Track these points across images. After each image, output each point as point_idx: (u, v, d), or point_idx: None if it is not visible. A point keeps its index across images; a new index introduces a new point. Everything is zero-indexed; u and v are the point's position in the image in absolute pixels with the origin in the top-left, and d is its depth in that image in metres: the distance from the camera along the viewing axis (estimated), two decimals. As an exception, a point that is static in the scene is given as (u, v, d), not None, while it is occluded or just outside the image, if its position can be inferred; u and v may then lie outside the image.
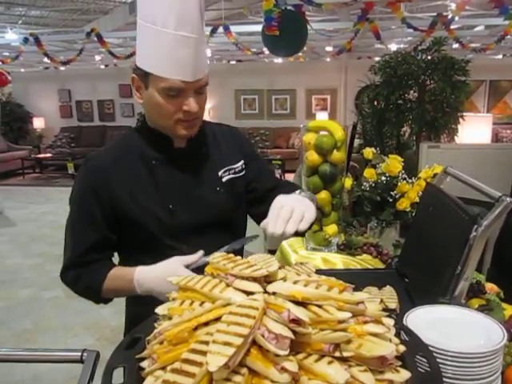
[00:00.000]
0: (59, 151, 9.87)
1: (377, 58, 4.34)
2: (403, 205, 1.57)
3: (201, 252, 1.05)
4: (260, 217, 1.11)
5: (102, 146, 10.54)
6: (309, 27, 5.51)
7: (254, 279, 0.78)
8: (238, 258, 0.86)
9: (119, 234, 1.18)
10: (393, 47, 7.54)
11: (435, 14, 6.02)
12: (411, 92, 3.54)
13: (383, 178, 1.63)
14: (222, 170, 1.23)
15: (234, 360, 0.63)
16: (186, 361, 0.65)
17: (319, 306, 0.71)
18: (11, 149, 10.20)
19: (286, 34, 5.07)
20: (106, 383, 0.74)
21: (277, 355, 0.63)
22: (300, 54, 9.04)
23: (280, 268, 0.85)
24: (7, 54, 9.61)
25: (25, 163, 9.93)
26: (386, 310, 1.14)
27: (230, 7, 7.75)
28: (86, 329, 3.22)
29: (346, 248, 1.66)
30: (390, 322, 0.80)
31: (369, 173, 1.64)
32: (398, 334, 0.84)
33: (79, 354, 0.88)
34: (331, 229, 1.63)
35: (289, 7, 5.33)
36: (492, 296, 1.33)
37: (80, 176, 1.18)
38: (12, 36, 8.31)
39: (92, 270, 1.15)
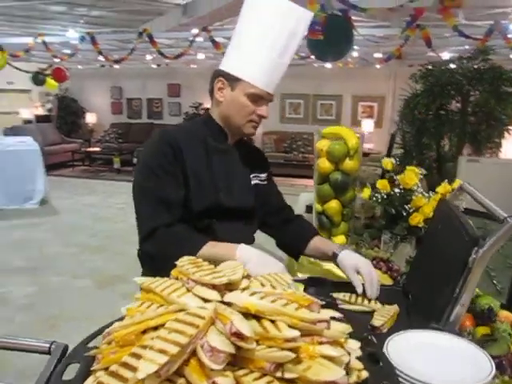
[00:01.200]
0: (107, 146, 10.24)
1: (429, 67, 4.19)
2: (416, 220, 1.48)
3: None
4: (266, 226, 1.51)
5: (149, 143, 10.85)
6: (355, 33, 5.40)
7: (214, 286, 0.76)
8: (205, 263, 0.83)
9: None
10: (445, 56, 7.24)
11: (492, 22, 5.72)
12: (453, 102, 3.36)
13: (396, 190, 1.55)
14: (253, 175, 1.46)
15: (168, 369, 0.60)
16: (124, 364, 0.63)
17: (272, 321, 0.68)
18: (64, 141, 10.70)
19: (331, 39, 5.00)
20: (57, 378, 0.73)
21: (212, 369, 0.60)
22: (350, 59, 8.91)
23: (246, 277, 0.82)
24: (68, 51, 10.11)
25: (75, 156, 10.36)
26: (372, 327, 1.08)
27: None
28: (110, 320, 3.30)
29: (355, 261, 1.59)
30: (355, 345, 0.74)
31: (381, 183, 1.56)
32: (370, 359, 0.79)
33: (48, 345, 0.89)
34: (339, 239, 1.57)
35: (335, 12, 5.26)
36: (504, 325, 1.22)
37: (157, 144, 1.32)
38: (73, 34, 8.73)
39: (191, 233, 1.26)
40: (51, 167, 8.72)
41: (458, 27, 5.46)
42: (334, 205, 1.56)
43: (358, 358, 0.76)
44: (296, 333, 0.63)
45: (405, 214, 1.53)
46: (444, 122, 3.32)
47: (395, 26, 7.02)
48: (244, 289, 0.77)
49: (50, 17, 8.90)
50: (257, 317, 0.69)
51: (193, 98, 11.10)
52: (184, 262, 0.82)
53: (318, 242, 1.43)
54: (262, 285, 0.78)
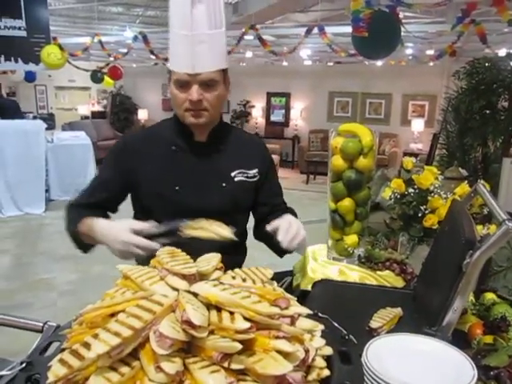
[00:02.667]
0: (157, 142, 10.53)
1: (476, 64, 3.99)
2: (430, 221, 1.42)
3: (153, 222, 1.15)
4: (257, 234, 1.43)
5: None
6: (403, 29, 5.23)
7: (184, 276, 0.77)
8: (182, 254, 0.85)
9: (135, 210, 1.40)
10: (502, 52, 6.85)
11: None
12: (500, 101, 3.18)
13: (410, 190, 1.49)
14: (236, 171, 1.36)
15: (120, 351, 0.63)
16: (85, 344, 0.66)
17: (232, 313, 0.68)
18: (116, 137, 11.15)
19: (377, 36, 4.87)
20: (35, 353, 0.78)
21: (161, 354, 0.62)
22: (401, 57, 8.63)
23: (219, 269, 0.83)
24: (125, 50, 10.53)
25: (127, 151, 10.76)
26: (370, 329, 1.06)
27: (332, 8, 7.66)
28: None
29: (368, 261, 1.55)
30: (320, 342, 0.74)
31: (396, 183, 1.51)
32: (343, 358, 0.78)
33: (41, 324, 0.94)
34: (351, 239, 1.54)
35: (382, 8, 5.11)
36: (516, 336, 1.15)
37: (114, 146, 1.41)
38: (129, 34, 9.08)
39: (80, 213, 1.31)
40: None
41: (516, 22, 5.13)
42: (347, 203, 1.53)
43: (329, 357, 0.76)
44: (246, 325, 0.64)
45: (420, 215, 1.48)
46: (489, 121, 3.15)
47: (449, 22, 6.73)
48: (213, 280, 0.78)
49: (108, 17, 9.31)
50: (219, 308, 0.70)
51: (241, 95, 11.20)
52: (162, 252, 0.84)
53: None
54: (233, 278, 0.79)
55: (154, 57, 9.02)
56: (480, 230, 1.46)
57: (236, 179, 1.36)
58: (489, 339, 1.09)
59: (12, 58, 8.50)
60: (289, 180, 9.45)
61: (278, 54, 7.97)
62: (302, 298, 1.40)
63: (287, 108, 10.88)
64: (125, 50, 10.03)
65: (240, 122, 11.28)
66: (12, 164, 5.83)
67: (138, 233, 1.12)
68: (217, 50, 1.24)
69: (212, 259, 0.84)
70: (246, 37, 7.51)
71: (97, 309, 0.74)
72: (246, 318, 0.66)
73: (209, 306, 0.70)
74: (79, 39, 9.62)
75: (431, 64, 8.94)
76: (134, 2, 8.52)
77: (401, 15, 6.35)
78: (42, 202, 6.04)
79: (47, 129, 8.32)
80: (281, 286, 1.30)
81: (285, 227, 1.18)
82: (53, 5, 8.56)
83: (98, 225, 1.22)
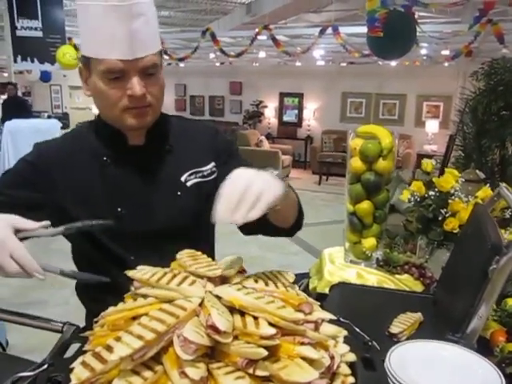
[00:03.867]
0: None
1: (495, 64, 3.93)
2: (451, 225, 1.40)
3: (45, 223, 0.85)
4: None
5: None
6: (419, 29, 5.18)
7: (209, 278, 0.77)
8: (203, 256, 0.84)
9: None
10: (520, 52, 6.74)
11: None
12: (519, 102, 3.12)
13: (431, 193, 1.47)
14: (188, 173, 1.09)
15: (142, 354, 0.62)
16: (107, 347, 0.66)
17: (255, 318, 0.67)
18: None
19: (392, 36, 4.83)
20: (55, 354, 0.78)
21: (185, 359, 0.61)
22: (416, 57, 8.55)
23: (241, 272, 0.82)
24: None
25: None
26: (390, 334, 1.04)
27: (346, 8, 7.62)
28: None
29: (386, 265, 1.53)
30: (344, 349, 0.72)
31: (416, 185, 1.49)
32: (366, 365, 0.77)
33: (61, 325, 0.94)
34: (369, 242, 1.52)
35: (398, 8, 5.07)
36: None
37: (27, 155, 1.07)
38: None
39: None
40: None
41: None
42: (365, 206, 1.51)
43: (352, 364, 0.74)
44: (272, 331, 0.62)
45: (440, 218, 1.45)
46: (507, 123, 3.09)
47: (466, 22, 6.65)
48: (236, 283, 0.77)
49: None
50: (242, 312, 0.69)
51: (254, 95, 11.21)
52: (182, 255, 0.83)
53: None
54: (256, 281, 0.78)
55: (167, 57, 9.06)
56: (502, 233, 1.43)
57: (189, 183, 1.08)
58: (512, 347, 1.07)
59: (28, 58, 8.62)
60: (301, 181, 9.43)
61: (291, 54, 7.97)
62: (319, 301, 1.39)
63: (300, 108, 10.85)
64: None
65: (253, 122, 11.28)
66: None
67: (19, 233, 0.83)
68: (153, 26, 0.96)
69: (234, 262, 0.83)
70: (259, 37, 7.51)
71: (119, 311, 0.73)
72: (270, 324, 0.65)
73: (232, 310, 0.69)
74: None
75: (446, 64, 8.85)
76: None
77: (416, 15, 6.30)
78: (56, 200, 6.10)
79: (62, 128, 8.42)
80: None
81: (228, 191, 0.75)
82: (68, 5, 8.65)
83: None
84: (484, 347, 1.06)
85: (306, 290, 1.60)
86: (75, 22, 9.55)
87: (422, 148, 9.15)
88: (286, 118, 11.03)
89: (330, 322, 0.83)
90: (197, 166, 1.10)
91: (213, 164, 1.12)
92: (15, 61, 8.46)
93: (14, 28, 8.38)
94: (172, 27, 10.57)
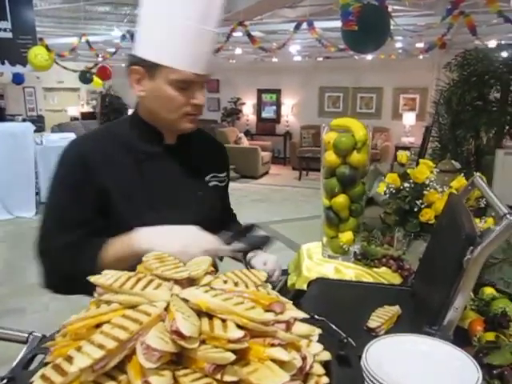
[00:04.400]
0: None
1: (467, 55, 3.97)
2: (427, 216, 1.39)
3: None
4: None
5: (189, 138, 11.04)
6: (393, 23, 5.21)
7: (176, 281, 0.74)
8: (170, 258, 0.81)
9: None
10: (492, 44, 6.85)
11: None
12: (492, 92, 3.17)
13: (406, 185, 1.46)
14: (210, 176, 1.24)
15: (104, 364, 0.59)
16: (68, 358, 0.62)
17: (224, 321, 0.64)
18: (107, 137, 11.07)
19: (366, 30, 4.84)
20: (18, 367, 0.74)
21: (149, 368, 0.58)
22: (391, 50, 8.61)
23: (210, 273, 0.79)
24: (113, 50, 10.44)
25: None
26: (368, 329, 1.03)
27: (321, 3, 7.63)
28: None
29: (364, 258, 1.52)
30: (317, 348, 0.70)
31: (391, 177, 1.48)
32: (341, 362, 0.74)
33: (26, 335, 0.90)
34: (346, 236, 1.51)
35: (372, 1, 5.08)
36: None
37: (64, 156, 1.10)
38: (117, 33, 8.98)
39: (76, 253, 1.03)
40: (95, 162, 8.97)
41: (505, 13, 5.13)
42: (341, 200, 1.50)
43: (327, 362, 0.72)
44: (240, 333, 0.60)
45: (416, 209, 1.45)
46: (481, 113, 3.14)
47: (438, 14, 6.72)
48: (204, 285, 0.74)
49: (95, 17, 9.20)
50: (211, 315, 0.66)
51: (231, 92, 11.16)
52: (149, 257, 0.80)
53: None
54: (225, 282, 0.75)
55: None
56: (477, 223, 1.44)
57: (210, 184, 1.23)
58: (490, 336, 1.06)
59: (-2, 60, 8.39)
60: (281, 177, 9.44)
61: (267, 50, 7.94)
62: (298, 297, 1.37)
63: (278, 104, 10.85)
64: (113, 50, 9.94)
65: (231, 119, 11.23)
66: (1, 167, 5.75)
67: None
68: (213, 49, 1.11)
69: (202, 263, 0.80)
70: (234, 33, 7.46)
71: (81, 319, 0.69)
72: (239, 326, 0.63)
73: (200, 313, 0.66)
74: (66, 40, 9.51)
75: (421, 57, 8.95)
76: (121, 1, 8.45)
77: (390, 8, 6.34)
78: (32, 205, 5.96)
79: (37, 131, 8.22)
80: (274, 288, 1.27)
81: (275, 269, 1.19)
82: (38, 5, 8.44)
83: (149, 232, 0.98)
84: (462, 337, 1.05)
85: (284, 286, 1.58)
86: (47, 23, 9.35)
87: (399, 140, 9.25)
88: (264, 115, 11.01)
89: (305, 320, 0.81)
90: (215, 171, 1.25)
91: (225, 173, 1.30)
92: (-15, 63, 8.24)
93: (-18, 29, 8.16)
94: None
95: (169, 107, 1.07)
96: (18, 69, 8.69)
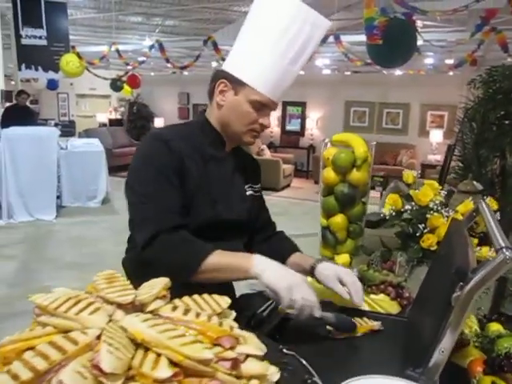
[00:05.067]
0: (172, 150, 10.56)
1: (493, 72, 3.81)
2: (428, 242, 1.29)
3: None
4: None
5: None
6: (421, 38, 5.09)
7: (120, 305, 0.67)
8: (121, 279, 0.75)
9: None
10: (526, 61, 6.60)
11: None
12: (519, 111, 3.00)
13: (407, 207, 1.36)
14: (248, 185, 1.36)
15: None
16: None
17: (159, 355, 0.58)
18: (132, 144, 11.20)
19: (392, 44, 4.74)
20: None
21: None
22: (420, 66, 8.44)
23: (161, 298, 0.72)
24: (142, 59, 10.65)
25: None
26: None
27: (350, 17, 7.57)
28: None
29: (361, 283, 1.43)
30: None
31: (392, 198, 1.39)
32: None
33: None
34: (342, 259, 1.42)
35: (398, 15, 4.98)
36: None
37: (154, 146, 1.19)
38: (148, 43, 9.16)
39: (195, 239, 1.13)
40: (119, 168, 9.08)
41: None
42: (339, 220, 1.41)
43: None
44: (167, 373, 0.53)
45: (419, 234, 1.35)
46: (506, 132, 2.97)
47: (469, 31, 6.55)
48: (150, 311, 0.67)
49: (128, 27, 9.41)
50: (148, 348, 0.59)
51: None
52: (99, 277, 0.74)
53: (296, 258, 1.33)
54: (174, 309, 0.68)
55: (169, 65, 9.05)
56: (485, 253, 1.32)
57: (247, 193, 1.36)
58: (487, 381, 0.96)
59: (32, 66, 8.66)
60: (303, 190, 9.32)
61: (293, 62, 7.89)
62: (286, 322, 1.29)
63: (303, 117, 10.77)
64: (142, 59, 10.13)
65: (256, 131, 11.20)
66: (25, 170, 5.87)
67: None
68: None
69: (156, 285, 0.73)
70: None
71: (14, 341, 0.64)
72: (174, 363, 0.56)
73: (139, 344, 0.60)
74: (97, 48, 9.75)
75: (451, 73, 8.74)
76: (154, 11, 8.60)
77: (420, 24, 6.22)
78: (53, 208, 6.04)
79: (67, 135, 8.40)
80: (263, 311, 1.19)
81: (354, 288, 1.17)
82: (74, 14, 8.69)
83: (267, 262, 1.08)
84: (462, 378, 0.95)
85: (275, 309, 1.49)
86: (82, 31, 9.62)
87: (425, 158, 9.01)
88: (288, 127, 10.95)
89: (272, 354, 0.74)
90: (251, 182, 1.37)
91: (259, 185, 1.42)
92: (20, 69, 8.50)
93: (18, 36, 8.44)
94: (177, 36, 10.61)
95: (241, 121, 1.21)
96: (51, 75, 8.96)
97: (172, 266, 1.10)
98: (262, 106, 1.20)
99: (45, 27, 8.63)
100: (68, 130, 10.50)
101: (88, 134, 9.79)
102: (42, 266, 4.53)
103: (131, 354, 0.57)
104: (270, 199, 8.35)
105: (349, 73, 10.20)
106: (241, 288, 1.42)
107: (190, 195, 1.19)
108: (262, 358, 0.69)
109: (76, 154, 6.52)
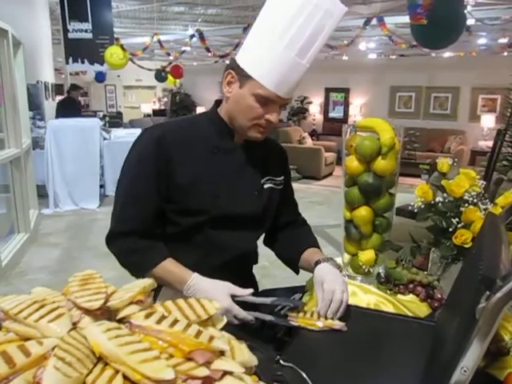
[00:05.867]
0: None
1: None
2: (462, 238, 1.15)
3: (250, 290, 1.07)
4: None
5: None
6: (470, 16, 4.74)
7: (87, 311, 0.61)
8: (98, 280, 0.69)
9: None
10: None
11: None
12: None
13: (438, 199, 1.22)
14: (266, 178, 1.30)
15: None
16: None
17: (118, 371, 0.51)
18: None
19: (437, 24, 4.44)
20: None
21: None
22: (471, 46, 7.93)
23: (137, 303, 0.65)
24: (188, 48, 10.69)
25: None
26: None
27: (393, -1, 7.23)
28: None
29: (387, 282, 1.31)
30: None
31: (421, 190, 1.25)
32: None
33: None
34: (366, 255, 1.30)
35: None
36: None
37: (142, 142, 1.20)
38: (190, 32, 9.17)
39: (149, 248, 1.17)
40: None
41: None
42: (363, 212, 1.30)
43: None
44: (115, 397, 0.46)
45: (451, 229, 1.21)
46: None
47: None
48: (119, 319, 0.61)
49: (171, 17, 9.47)
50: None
51: (298, 91, 10.95)
52: (76, 277, 0.68)
53: (307, 255, 1.30)
54: (148, 316, 0.61)
55: (210, 54, 9.03)
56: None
57: (265, 186, 1.30)
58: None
59: (79, 59, 8.92)
60: (345, 179, 9.07)
61: (334, 47, 7.65)
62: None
63: (346, 104, 10.48)
64: (184, 49, 10.17)
65: (297, 118, 11.04)
66: (70, 160, 6.04)
67: (233, 296, 1.06)
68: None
69: (134, 288, 0.67)
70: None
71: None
72: (130, 381, 0.49)
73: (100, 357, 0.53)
74: (141, 39, 9.89)
75: (505, 54, 8.16)
76: (196, 1, 8.59)
77: (471, 1, 5.81)
78: (96, 197, 6.20)
79: (115, 126, 8.59)
80: (281, 309, 1.11)
81: (327, 299, 1.10)
82: (118, 7, 8.84)
83: (194, 281, 1.11)
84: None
85: (294, 308, 1.40)
86: (126, 23, 9.78)
87: (476, 144, 8.51)
88: (331, 114, 10.69)
89: (269, 363, 0.66)
90: (272, 175, 1.32)
91: (282, 178, 1.36)
92: (67, 62, 8.78)
93: (65, 31, 8.70)
94: (219, 25, 10.56)
95: (245, 114, 1.16)
96: (96, 67, 9.19)
97: (125, 267, 1.19)
98: (268, 101, 1.13)
99: (90, 20, 8.84)
100: (116, 120, 10.77)
101: (132, 124, 10.00)
102: (82, 253, 4.65)
103: (87, 370, 0.51)
104: (311, 188, 8.19)
105: (394, 56, 9.78)
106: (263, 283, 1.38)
107: (185, 187, 1.18)
108: (249, 373, 0.62)
109: (119, 144, 6.64)
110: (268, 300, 1.07)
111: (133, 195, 1.18)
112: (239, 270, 1.26)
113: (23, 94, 4.80)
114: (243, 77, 1.13)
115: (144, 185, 1.17)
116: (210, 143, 1.23)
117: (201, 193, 1.19)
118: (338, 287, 1.11)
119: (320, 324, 1.05)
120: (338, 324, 1.06)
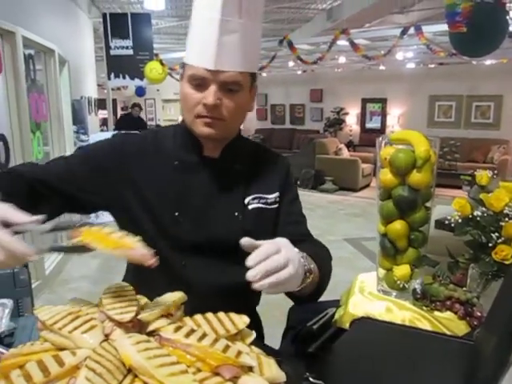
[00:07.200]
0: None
1: None
2: (502, 254, 1.10)
3: (37, 218, 0.74)
4: None
5: (290, 148, 11.12)
6: (511, 22, 4.58)
7: (119, 323, 0.63)
8: (132, 292, 0.70)
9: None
10: None
11: None
12: None
13: (477, 213, 1.18)
14: (251, 197, 1.09)
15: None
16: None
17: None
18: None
19: (477, 32, 4.32)
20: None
21: None
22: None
23: (167, 316, 0.66)
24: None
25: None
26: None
27: (432, 7, 7.11)
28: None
29: (424, 299, 1.27)
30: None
31: (458, 203, 1.21)
32: None
33: None
34: (401, 270, 1.27)
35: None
36: None
37: (105, 141, 1.10)
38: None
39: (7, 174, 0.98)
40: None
41: None
42: (398, 226, 1.26)
43: None
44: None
45: (491, 244, 1.16)
46: None
47: None
48: (150, 332, 0.62)
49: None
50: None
51: (335, 102, 10.91)
52: (110, 289, 0.70)
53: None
54: (177, 329, 0.62)
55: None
56: None
57: (250, 207, 1.08)
58: None
59: (120, 75, 9.26)
60: (383, 190, 8.91)
61: (371, 58, 7.58)
62: (336, 338, 1.18)
63: (383, 114, 10.33)
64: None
65: (334, 129, 10.97)
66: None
67: (10, 226, 0.73)
68: (248, 47, 0.97)
69: (163, 302, 0.68)
70: (339, 42, 7.26)
71: (15, 355, 0.62)
72: (159, 394, 0.50)
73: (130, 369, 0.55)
74: (179, 54, 10.19)
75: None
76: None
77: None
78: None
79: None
80: (313, 324, 1.10)
81: (262, 252, 0.74)
82: (158, 24, 9.14)
83: None
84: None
85: (328, 322, 1.39)
86: (162, 39, 10.10)
87: (521, 155, 8.18)
88: (368, 125, 10.56)
89: (297, 380, 0.65)
90: (262, 192, 1.11)
91: (277, 194, 1.13)
92: (109, 78, 9.13)
93: (108, 48, 9.06)
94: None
95: (185, 106, 1.01)
96: (136, 82, 9.50)
97: None
98: (201, 82, 0.95)
99: (131, 37, 9.17)
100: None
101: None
102: (120, 263, 4.76)
103: (117, 381, 0.52)
104: (348, 199, 8.09)
105: (433, 65, 9.58)
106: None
107: (144, 207, 1.02)
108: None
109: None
110: (48, 226, 0.75)
111: (63, 157, 1.09)
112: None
113: (68, 109, 5.02)
114: (182, 68, 1.02)
115: (78, 161, 1.05)
116: (172, 156, 1.06)
117: (158, 215, 1.02)
118: (276, 245, 0.79)
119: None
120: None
